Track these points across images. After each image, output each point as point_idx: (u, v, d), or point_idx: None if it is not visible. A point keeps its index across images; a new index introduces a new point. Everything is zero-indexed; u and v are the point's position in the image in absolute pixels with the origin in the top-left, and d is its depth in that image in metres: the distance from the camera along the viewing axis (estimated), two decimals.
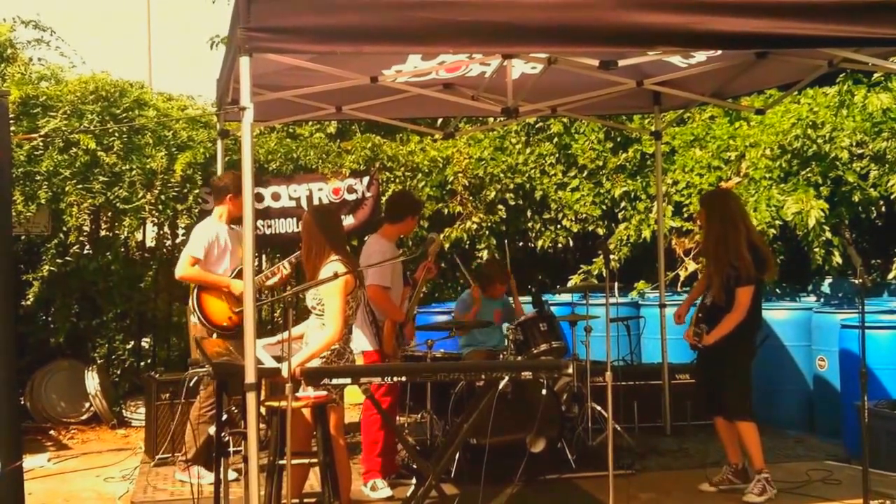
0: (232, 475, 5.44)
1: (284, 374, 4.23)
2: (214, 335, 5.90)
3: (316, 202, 8.29)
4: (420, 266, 6.05)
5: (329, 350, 4.61)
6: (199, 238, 6.03)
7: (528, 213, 9.55)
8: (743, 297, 5.40)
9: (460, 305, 6.84)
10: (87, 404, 7.89)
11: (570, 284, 8.84)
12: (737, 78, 6.48)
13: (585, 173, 9.44)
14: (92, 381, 7.81)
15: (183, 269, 6.02)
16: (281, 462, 4.35)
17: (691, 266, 8.61)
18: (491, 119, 8.80)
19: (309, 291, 4.67)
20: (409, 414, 6.65)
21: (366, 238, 6.23)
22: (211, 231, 6.06)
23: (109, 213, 8.06)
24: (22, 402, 7.59)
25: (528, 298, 6.88)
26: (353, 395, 6.58)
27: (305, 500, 5.14)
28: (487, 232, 9.24)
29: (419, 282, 5.98)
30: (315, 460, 4.52)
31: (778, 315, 7.44)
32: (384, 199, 8.13)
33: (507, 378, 4.50)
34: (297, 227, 7.92)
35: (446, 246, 8.89)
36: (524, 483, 5.45)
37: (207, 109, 8.72)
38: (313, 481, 5.21)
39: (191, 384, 4.80)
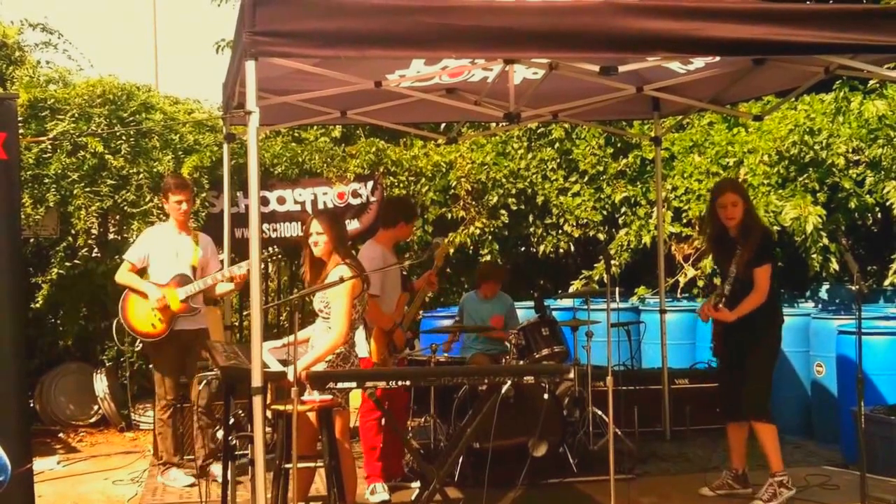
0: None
1: (290, 377, 4.26)
2: (138, 341, 6.02)
3: (321, 207, 8.36)
4: (424, 275, 6.08)
5: (334, 354, 4.66)
6: (137, 243, 6.34)
7: (530, 219, 9.58)
8: (762, 277, 5.37)
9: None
10: (96, 407, 7.93)
11: (571, 289, 8.87)
12: (735, 84, 6.52)
13: (586, 178, 9.47)
14: (101, 384, 7.85)
15: (118, 275, 6.21)
16: (287, 465, 4.40)
17: (691, 272, 8.66)
18: (493, 124, 8.84)
19: (317, 295, 4.70)
20: (413, 418, 6.70)
21: None
22: (149, 237, 6.33)
23: (117, 217, 8.07)
24: (31, 405, 7.63)
25: (531, 303, 6.95)
26: (359, 398, 6.63)
27: None
28: (490, 237, 9.28)
29: (418, 291, 6.00)
30: (320, 464, 4.56)
31: None
32: None
33: (509, 383, 4.55)
34: (302, 230, 7.99)
35: (451, 251, 8.92)
36: (526, 487, 5.48)
37: (214, 113, 8.76)
38: (319, 485, 5.26)
39: (200, 387, 4.85)
